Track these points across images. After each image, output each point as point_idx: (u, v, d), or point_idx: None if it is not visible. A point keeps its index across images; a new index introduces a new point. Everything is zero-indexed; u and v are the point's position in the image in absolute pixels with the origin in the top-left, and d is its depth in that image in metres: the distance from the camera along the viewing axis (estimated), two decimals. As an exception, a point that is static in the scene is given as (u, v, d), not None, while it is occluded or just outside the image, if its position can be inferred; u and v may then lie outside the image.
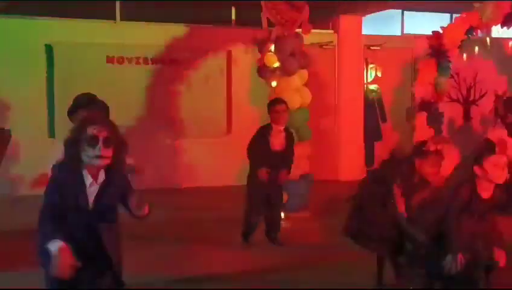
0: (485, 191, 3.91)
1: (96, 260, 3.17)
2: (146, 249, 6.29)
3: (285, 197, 8.01)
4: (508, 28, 9.01)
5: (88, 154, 3.05)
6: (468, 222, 3.85)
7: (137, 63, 10.37)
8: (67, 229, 3.06)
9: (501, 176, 3.87)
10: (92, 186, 3.13)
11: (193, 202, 9.31)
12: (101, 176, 3.16)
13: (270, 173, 6.41)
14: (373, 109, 12.00)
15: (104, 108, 4.55)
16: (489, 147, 3.88)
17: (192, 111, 10.52)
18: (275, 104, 6.60)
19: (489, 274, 4.04)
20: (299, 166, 8.18)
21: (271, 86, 8.16)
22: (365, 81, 12.11)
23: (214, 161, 10.48)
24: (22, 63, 9.67)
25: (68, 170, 3.11)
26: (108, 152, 3.07)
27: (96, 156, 3.05)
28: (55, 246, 2.96)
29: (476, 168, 3.88)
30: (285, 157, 6.56)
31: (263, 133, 6.50)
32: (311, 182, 8.46)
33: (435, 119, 9.15)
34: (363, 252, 5.22)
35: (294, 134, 6.97)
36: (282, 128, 6.54)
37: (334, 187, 10.73)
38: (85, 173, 3.11)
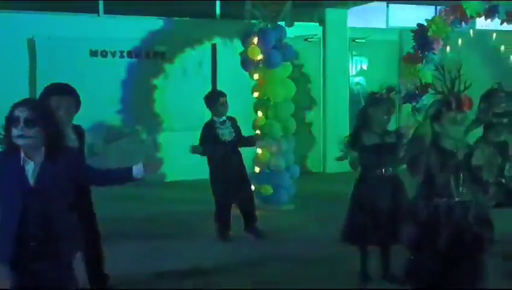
0: (449, 146, 4.01)
1: (51, 249, 3.20)
2: (131, 243, 6.27)
3: (270, 190, 8.03)
4: (492, 20, 9.05)
5: (13, 134, 3.15)
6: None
7: (121, 56, 10.31)
8: (16, 216, 3.14)
9: (458, 131, 3.97)
10: (27, 165, 3.18)
11: (178, 196, 9.29)
12: (39, 155, 3.21)
13: (229, 164, 6.49)
14: (359, 101, 12.01)
15: (75, 95, 4.46)
16: (446, 104, 3.97)
17: (176, 104, 10.47)
18: (220, 96, 6.62)
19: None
20: (285, 158, 8.20)
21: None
22: (350, 74, 12.13)
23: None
24: (4, 57, 9.57)
25: (6, 154, 3.22)
26: (29, 132, 3.13)
27: (17, 135, 3.13)
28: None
29: (435, 125, 3.99)
30: (243, 142, 6.69)
31: (210, 128, 6.52)
32: (297, 175, 8.47)
33: (419, 111, 9.18)
34: (348, 245, 5.23)
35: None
36: (224, 118, 6.55)
37: (320, 180, 10.77)
38: (22, 153, 3.19)
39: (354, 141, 5.04)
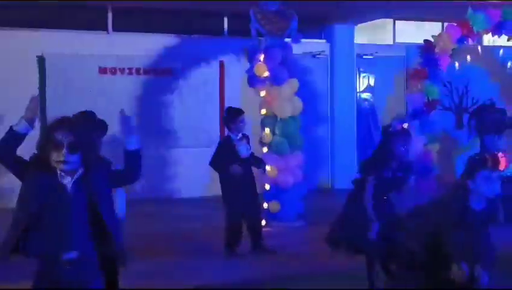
0: (478, 204, 3.98)
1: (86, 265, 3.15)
2: (140, 260, 6.26)
3: (278, 206, 8.02)
4: (499, 37, 9.08)
5: (53, 158, 3.08)
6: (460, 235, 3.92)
7: (130, 73, 10.38)
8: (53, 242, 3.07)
9: (492, 190, 3.96)
10: (64, 179, 3.13)
11: (186, 213, 9.28)
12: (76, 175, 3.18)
13: (245, 180, 6.54)
14: (365, 117, 12.04)
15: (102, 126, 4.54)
16: (482, 162, 3.98)
17: (185, 121, 10.52)
18: (241, 113, 6.66)
19: None
20: (293, 175, 8.20)
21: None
22: (357, 90, 12.16)
23: (207, 171, 10.45)
24: (14, 74, 9.65)
25: (39, 169, 3.13)
26: (73, 157, 3.08)
27: (60, 161, 3.07)
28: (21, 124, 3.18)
29: (469, 182, 3.97)
30: (255, 160, 6.80)
31: (228, 145, 6.56)
32: (305, 191, 8.46)
33: (427, 127, 9.18)
34: (358, 261, 5.22)
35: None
36: (241, 135, 6.63)
37: (328, 196, 10.74)
38: (60, 174, 3.13)
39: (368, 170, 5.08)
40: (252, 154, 6.77)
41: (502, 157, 4.05)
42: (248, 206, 6.60)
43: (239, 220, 6.59)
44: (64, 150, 3.05)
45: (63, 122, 3.14)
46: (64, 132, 3.07)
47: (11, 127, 3.16)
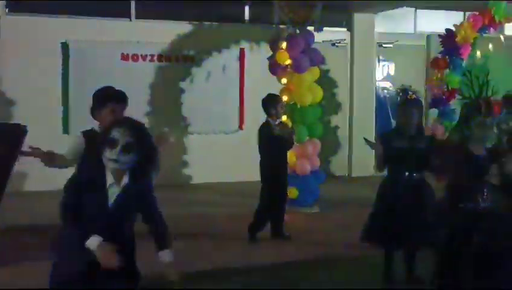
0: (477, 150, 4.03)
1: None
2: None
3: (295, 192, 8.10)
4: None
5: (106, 155, 3.02)
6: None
7: (152, 60, 10.48)
8: (85, 229, 3.04)
9: (487, 136, 3.99)
10: (112, 188, 3.11)
11: (204, 198, 9.39)
12: (124, 179, 3.12)
13: (285, 164, 6.77)
14: (385, 106, 12.03)
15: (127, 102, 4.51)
16: (476, 108, 4.01)
17: (205, 107, 10.61)
18: (281, 99, 6.93)
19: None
20: (310, 162, 8.27)
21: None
22: (377, 79, 12.15)
23: (226, 157, 10.57)
24: (37, 60, 9.80)
25: (90, 168, 3.14)
26: (125, 158, 3.02)
27: (111, 159, 3.01)
28: (94, 243, 2.99)
29: (465, 128, 4.02)
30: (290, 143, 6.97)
31: (269, 129, 6.62)
32: (322, 178, 8.53)
33: (446, 116, 9.19)
34: (372, 249, 5.28)
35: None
36: (279, 121, 6.79)
37: (345, 184, 10.80)
38: (107, 173, 3.09)
39: (385, 140, 5.11)
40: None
41: (495, 102, 4.06)
42: (282, 190, 6.75)
43: (274, 204, 6.67)
44: (118, 149, 3.00)
45: (123, 122, 3.11)
46: (121, 130, 3.03)
47: None
